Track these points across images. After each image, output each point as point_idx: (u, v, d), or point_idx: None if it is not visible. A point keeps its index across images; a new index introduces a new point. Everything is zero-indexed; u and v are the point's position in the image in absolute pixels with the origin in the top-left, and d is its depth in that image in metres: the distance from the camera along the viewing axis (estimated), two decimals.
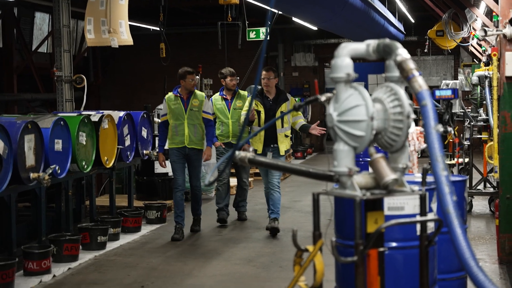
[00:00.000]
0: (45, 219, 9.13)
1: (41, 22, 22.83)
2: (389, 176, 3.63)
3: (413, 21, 22.43)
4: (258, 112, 10.43)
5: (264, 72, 10.46)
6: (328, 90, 15.79)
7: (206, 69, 19.89)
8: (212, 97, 11.74)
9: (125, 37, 10.70)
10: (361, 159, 9.38)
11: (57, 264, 8.71)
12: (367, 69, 27.73)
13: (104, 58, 25.09)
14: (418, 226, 4.77)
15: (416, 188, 3.78)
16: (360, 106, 3.62)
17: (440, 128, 3.43)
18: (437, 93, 10.12)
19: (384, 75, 3.80)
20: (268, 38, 3.57)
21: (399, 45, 3.60)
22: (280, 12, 12.27)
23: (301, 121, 10.64)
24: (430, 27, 19.53)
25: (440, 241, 5.05)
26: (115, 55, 23.88)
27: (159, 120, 11.16)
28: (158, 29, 18.75)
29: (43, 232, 9.06)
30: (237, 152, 4.25)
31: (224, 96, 11.59)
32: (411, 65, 3.49)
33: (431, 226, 4.94)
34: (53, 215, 9.79)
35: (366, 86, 26.71)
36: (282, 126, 10.39)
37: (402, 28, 21.28)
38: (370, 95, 3.70)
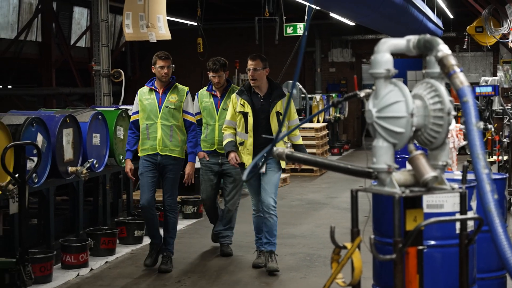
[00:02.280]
0: (82, 213, 9.19)
1: (80, 16, 22.99)
2: (429, 173, 3.58)
3: (452, 17, 22.23)
4: (245, 114, 8.04)
5: (249, 61, 8.12)
6: (366, 86, 15.54)
7: (243, 64, 19.88)
8: (199, 92, 9.15)
9: (163, 32, 10.73)
10: (399, 156, 9.31)
11: (94, 258, 8.76)
12: (406, 65, 27.57)
13: (142, 52, 25.20)
14: (458, 225, 4.72)
15: (456, 186, 3.73)
16: (400, 102, 3.59)
17: (481, 125, 3.38)
18: (477, 89, 10.02)
19: (424, 71, 3.75)
20: (306, 34, 3.55)
21: (440, 41, 3.55)
22: (318, 8, 12.22)
23: (296, 135, 8.40)
24: (469, 23, 19.35)
25: (480, 240, 4.99)
26: (153, 49, 24.01)
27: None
28: (195, 24, 18.82)
29: (81, 226, 9.13)
30: (274, 148, 4.23)
31: (213, 92, 8.95)
32: (452, 61, 3.45)
33: (470, 225, 4.88)
34: (91, 209, 9.85)
35: (405, 83, 26.55)
36: (280, 130, 8.52)
37: (440, 24, 21.09)
38: (410, 91, 3.66)
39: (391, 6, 12.82)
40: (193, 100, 8.81)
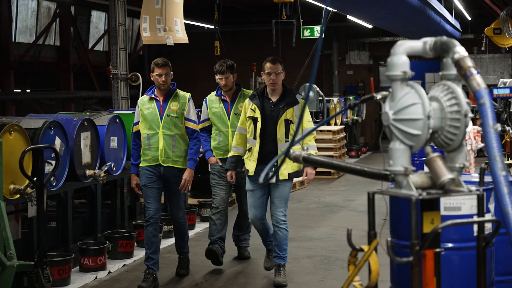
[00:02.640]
0: (100, 216, 9.24)
1: (98, 20, 23.10)
2: (446, 175, 3.57)
3: (469, 18, 22.15)
4: (254, 120, 7.62)
5: (268, 65, 7.68)
6: (383, 89, 15.55)
7: (261, 67, 19.87)
8: (207, 97, 8.72)
9: (180, 35, 10.75)
10: (416, 158, 9.29)
11: (112, 261, 8.79)
12: (425, 67, 27.49)
13: (159, 56, 25.24)
14: (475, 227, 4.70)
15: (473, 188, 3.71)
16: (417, 105, 3.58)
17: (499, 127, 3.37)
18: (495, 91, 9.97)
19: (441, 73, 3.74)
20: (323, 36, 3.57)
21: (456, 42, 3.54)
22: (335, 10, 12.21)
23: (310, 143, 7.63)
24: (487, 24, 19.26)
25: (498, 242, 4.97)
26: (170, 53, 24.06)
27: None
28: (212, 27, 18.85)
29: (99, 229, 9.17)
30: (291, 151, 4.23)
31: (222, 97, 8.58)
32: (469, 63, 3.44)
33: (488, 227, 4.86)
34: (109, 212, 9.89)
35: (423, 85, 26.49)
36: (287, 140, 7.49)
37: (458, 26, 21.02)
38: (427, 93, 3.66)
39: (408, 8, 12.80)
40: (200, 106, 8.73)
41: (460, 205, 4.89)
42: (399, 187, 3.65)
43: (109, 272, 8.42)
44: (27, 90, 21.69)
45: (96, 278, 8.17)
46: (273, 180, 7.48)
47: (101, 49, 23.35)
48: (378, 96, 3.77)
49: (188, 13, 13.02)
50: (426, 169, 3.69)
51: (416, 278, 3.59)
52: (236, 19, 23.98)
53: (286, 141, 7.41)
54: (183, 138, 7.84)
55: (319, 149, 17.34)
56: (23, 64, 19.63)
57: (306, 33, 19.02)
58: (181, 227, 8.17)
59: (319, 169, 16.52)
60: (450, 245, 5.00)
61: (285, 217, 7.64)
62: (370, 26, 19.86)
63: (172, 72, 7.93)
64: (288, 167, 7.51)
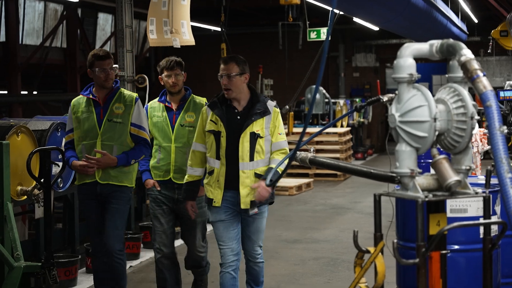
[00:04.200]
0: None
1: (104, 22, 23.15)
2: (452, 177, 3.58)
3: (476, 21, 22.14)
4: (217, 135, 5.83)
5: (221, 65, 5.91)
6: (389, 91, 15.49)
7: (267, 69, 19.93)
8: (148, 104, 6.95)
9: (187, 38, 10.76)
10: (422, 161, 9.29)
11: None
12: (432, 69, 27.47)
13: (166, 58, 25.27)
14: (481, 229, 4.71)
15: (479, 190, 3.72)
16: (423, 107, 3.59)
17: (505, 129, 3.38)
18: (501, 94, 9.96)
19: (447, 75, 3.76)
20: (329, 38, 3.56)
21: (463, 45, 3.55)
22: (341, 13, 12.22)
23: (277, 157, 5.85)
24: (494, 27, 19.24)
25: (504, 244, 4.98)
26: (177, 55, 24.12)
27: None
28: (218, 29, 18.88)
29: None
30: (297, 153, 4.25)
31: (167, 104, 6.77)
32: (475, 65, 3.45)
33: (494, 229, 4.87)
34: None
35: (430, 87, 26.47)
36: (252, 159, 5.78)
37: (465, 28, 21.01)
38: (434, 96, 3.67)
39: (415, 11, 12.80)
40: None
41: (466, 207, 4.90)
42: (405, 189, 3.66)
43: None
44: (34, 92, 21.75)
45: None
46: (255, 210, 5.82)
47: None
48: (385, 98, 3.78)
49: (194, 16, 13.05)
50: (432, 171, 3.70)
51: (422, 280, 3.60)
52: (243, 21, 24.01)
53: (250, 160, 5.75)
54: (127, 149, 6.50)
55: (325, 151, 17.42)
56: (30, 66, 19.68)
57: (313, 35, 19.02)
58: (118, 264, 6.52)
59: (325, 171, 16.54)
60: (456, 247, 5.01)
61: (261, 248, 6.14)
62: (376, 28, 19.86)
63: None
64: (251, 194, 5.77)
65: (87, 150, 6.38)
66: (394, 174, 3.67)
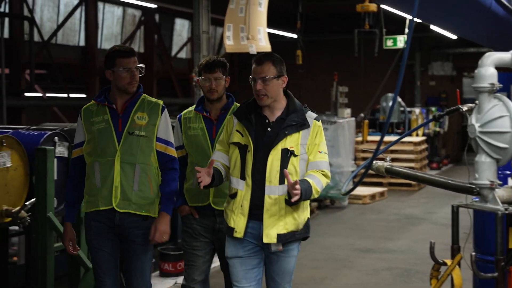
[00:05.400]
0: (181, 223, 9.31)
1: (181, 28, 23.42)
2: None
3: None
4: (242, 149, 4.73)
5: (254, 66, 4.81)
6: (466, 101, 15.22)
7: (341, 76, 19.83)
8: (182, 113, 5.72)
9: (263, 44, 10.79)
10: (500, 172, 9.10)
11: None
12: (510, 79, 26.97)
13: (241, 64, 25.44)
14: None
15: None
16: (504, 117, 3.52)
17: None
18: None
19: None
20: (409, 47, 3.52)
21: None
22: (419, 20, 12.09)
23: (314, 173, 4.64)
24: None
25: None
26: (251, 60, 24.27)
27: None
28: (294, 36, 18.89)
29: (179, 235, 9.26)
30: (374, 162, 4.21)
31: (205, 114, 5.49)
32: None
33: None
34: None
35: (508, 97, 25.96)
36: (282, 181, 4.60)
37: None
38: None
39: (494, 19, 12.58)
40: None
41: None
42: (484, 201, 3.59)
43: None
44: None
45: (175, 283, 8.24)
46: (280, 247, 4.68)
47: (184, 57, 23.64)
48: (464, 108, 3.73)
49: (270, 22, 13.09)
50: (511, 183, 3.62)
51: None
52: (318, 28, 23.98)
53: (279, 183, 4.59)
54: (151, 170, 5.09)
55: (400, 160, 17.24)
56: None
57: (389, 43, 18.90)
58: None
59: (399, 181, 16.36)
60: None
61: None
62: (454, 36, 19.59)
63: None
64: (280, 225, 4.64)
65: (100, 170, 4.98)
66: (472, 186, 3.61)
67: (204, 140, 5.43)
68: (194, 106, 5.59)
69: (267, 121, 4.73)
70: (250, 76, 4.75)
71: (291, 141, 4.62)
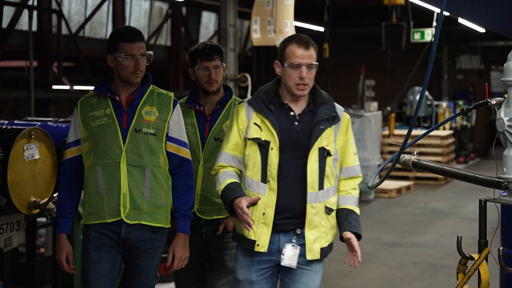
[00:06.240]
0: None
1: (208, 21, 23.44)
2: None
3: None
4: (264, 146, 4.02)
5: (299, 51, 4.05)
6: (494, 94, 15.19)
7: (368, 70, 19.77)
8: None
9: None
10: None
11: None
12: None
13: (268, 57, 25.42)
14: None
15: None
16: None
17: None
18: None
19: None
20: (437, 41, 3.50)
21: None
22: (447, 13, 12.01)
23: (350, 191, 4.14)
24: None
25: None
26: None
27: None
28: (320, 29, 18.85)
29: None
30: (402, 155, 4.19)
31: (198, 107, 4.78)
32: None
33: None
34: None
35: None
36: (322, 187, 4.01)
37: None
38: None
39: None
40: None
41: None
42: None
43: None
44: None
45: None
46: (294, 263, 4.03)
47: None
48: (493, 102, 3.70)
49: (297, 15, 13.07)
50: None
51: None
52: (345, 21, 23.90)
53: (321, 188, 3.99)
54: (161, 173, 4.34)
55: (426, 154, 17.15)
56: None
57: (417, 36, 18.80)
58: None
59: (425, 174, 16.30)
60: None
61: None
62: (482, 30, 19.45)
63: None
64: (322, 236, 4.04)
65: (104, 174, 4.26)
66: (500, 180, 3.59)
67: (194, 138, 4.67)
68: (186, 98, 4.83)
69: (291, 113, 4.03)
70: (291, 61, 3.99)
71: (326, 139, 3.99)
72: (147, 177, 4.25)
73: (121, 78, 4.31)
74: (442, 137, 17.99)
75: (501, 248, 3.56)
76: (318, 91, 4.08)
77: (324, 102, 4.04)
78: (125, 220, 4.22)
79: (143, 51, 4.28)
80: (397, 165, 4.45)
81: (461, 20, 15.99)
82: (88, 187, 4.30)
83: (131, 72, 4.27)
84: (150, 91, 4.38)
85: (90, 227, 4.30)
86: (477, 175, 3.78)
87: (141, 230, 4.25)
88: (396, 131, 17.45)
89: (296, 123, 4.01)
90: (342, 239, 3.99)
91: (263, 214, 3.96)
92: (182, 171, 4.36)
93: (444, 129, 19.57)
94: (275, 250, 3.99)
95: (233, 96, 4.84)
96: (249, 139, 4.03)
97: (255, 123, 4.02)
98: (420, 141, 17.70)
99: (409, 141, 4.18)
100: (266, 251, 3.97)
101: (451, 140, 18.80)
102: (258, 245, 3.97)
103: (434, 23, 17.43)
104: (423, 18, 18.92)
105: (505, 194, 3.64)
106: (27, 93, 14.80)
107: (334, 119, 4.01)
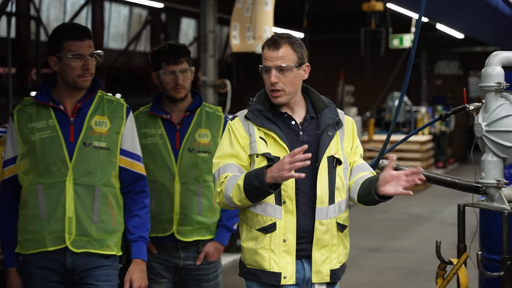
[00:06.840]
0: None
1: (187, 27, 23.43)
2: None
3: None
4: (276, 161, 3.35)
5: (267, 52, 3.57)
6: (472, 100, 15.20)
7: (347, 75, 19.84)
8: (134, 113, 4.15)
9: None
10: (507, 171, 9.10)
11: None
12: None
13: (247, 63, 25.45)
14: None
15: None
16: (511, 116, 3.52)
17: None
18: None
19: None
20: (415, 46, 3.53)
21: None
22: (426, 19, 12.09)
23: (365, 173, 3.59)
24: None
25: None
26: (258, 60, 24.27)
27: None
28: (299, 35, 18.90)
29: None
30: (381, 161, 4.20)
31: (165, 116, 4.27)
32: None
33: None
34: None
35: None
36: (332, 200, 3.50)
37: None
38: None
39: (501, 18, 12.57)
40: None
41: None
42: (490, 200, 3.60)
43: None
44: (117, 95, 22.17)
45: None
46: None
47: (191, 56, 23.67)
48: (471, 107, 3.73)
49: (277, 21, 13.11)
50: None
51: None
52: (324, 27, 23.99)
53: (332, 201, 3.49)
54: (113, 192, 3.81)
55: (406, 159, 17.21)
56: (115, 69, 20.06)
57: (395, 42, 18.88)
58: None
59: None
60: None
61: None
62: (460, 35, 19.57)
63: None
64: (331, 258, 3.55)
65: (45, 195, 3.68)
66: (479, 185, 3.61)
67: (165, 151, 4.19)
68: (150, 105, 4.31)
69: (293, 122, 3.52)
70: (261, 65, 3.56)
71: (334, 146, 3.50)
72: (97, 198, 3.70)
73: (67, 83, 3.74)
74: (421, 143, 18.06)
75: (479, 252, 3.58)
76: (316, 95, 3.62)
77: (326, 106, 3.57)
78: (70, 247, 3.66)
79: (92, 51, 3.73)
80: (377, 171, 4.47)
81: (439, 26, 16.10)
82: (26, 209, 3.71)
83: (79, 75, 3.71)
84: (99, 98, 3.84)
85: (29, 260, 3.72)
86: (456, 180, 3.81)
87: (90, 257, 3.71)
88: (376, 137, 17.50)
89: (301, 133, 3.50)
90: (377, 195, 3.55)
91: (284, 241, 3.42)
92: (136, 188, 3.85)
93: (423, 134, 19.65)
94: (301, 279, 3.46)
95: (203, 103, 4.35)
96: (258, 155, 3.45)
97: (261, 137, 3.46)
98: (399, 147, 17.75)
99: (388, 146, 4.20)
100: (294, 283, 3.43)
101: (430, 145, 18.88)
102: (285, 278, 3.42)
103: (413, 29, 17.52)
104: (401, 24, 19.01)
105: (483, 199, 3.67)
106: (6, 99, 14.72)
107: (338, 124, 3.55)
